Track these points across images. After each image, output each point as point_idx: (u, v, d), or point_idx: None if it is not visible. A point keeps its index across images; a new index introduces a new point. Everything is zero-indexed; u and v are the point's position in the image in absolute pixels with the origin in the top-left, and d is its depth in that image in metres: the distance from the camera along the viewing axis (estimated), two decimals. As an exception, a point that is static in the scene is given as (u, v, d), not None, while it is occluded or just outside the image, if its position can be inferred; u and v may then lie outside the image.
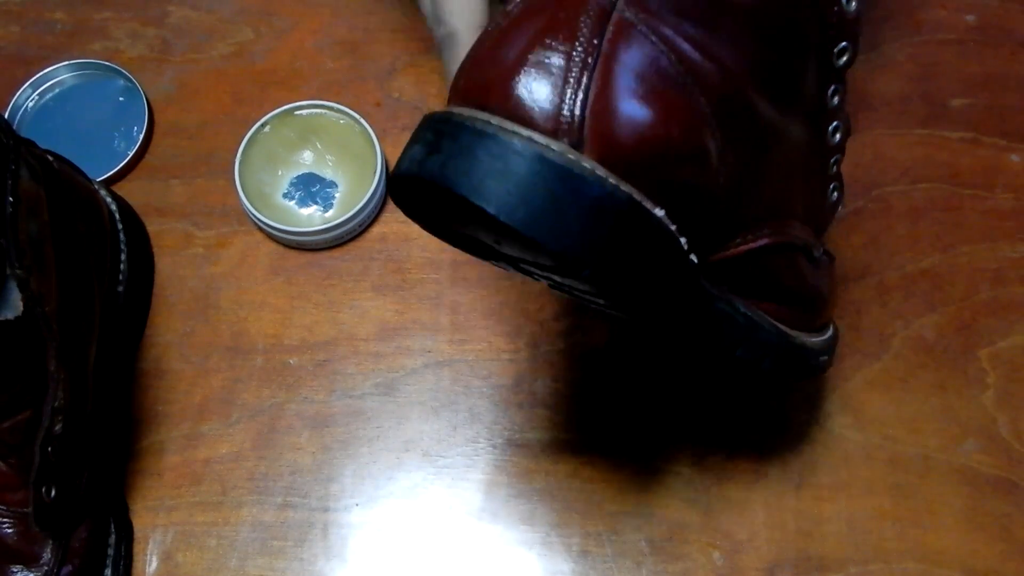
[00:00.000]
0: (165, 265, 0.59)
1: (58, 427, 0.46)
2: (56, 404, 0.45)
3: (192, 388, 0.56)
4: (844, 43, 0.37)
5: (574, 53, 0.31)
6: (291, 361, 0.56)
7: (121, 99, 0.63)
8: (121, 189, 0.60)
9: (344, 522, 0.52)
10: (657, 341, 0.55)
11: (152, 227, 0.60)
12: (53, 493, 0.46)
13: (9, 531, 0.46)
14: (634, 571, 0.51)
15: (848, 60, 0.37)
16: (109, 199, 0.57)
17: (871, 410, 0.53)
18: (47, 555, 0.47)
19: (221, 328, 0.57)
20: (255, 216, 0.57)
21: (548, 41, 0.31)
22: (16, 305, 0.44)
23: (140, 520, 0.52)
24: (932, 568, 0.50)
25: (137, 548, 0.52)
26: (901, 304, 0.56)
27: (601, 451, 0.54)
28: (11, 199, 0.43)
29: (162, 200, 0.61)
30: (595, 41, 0.31)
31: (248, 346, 0.57)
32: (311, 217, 0.58)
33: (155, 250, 0.59)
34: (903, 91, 0.62)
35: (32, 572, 0.46)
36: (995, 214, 0.59)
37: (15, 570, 0.46)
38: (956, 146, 0.60)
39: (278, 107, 0.60)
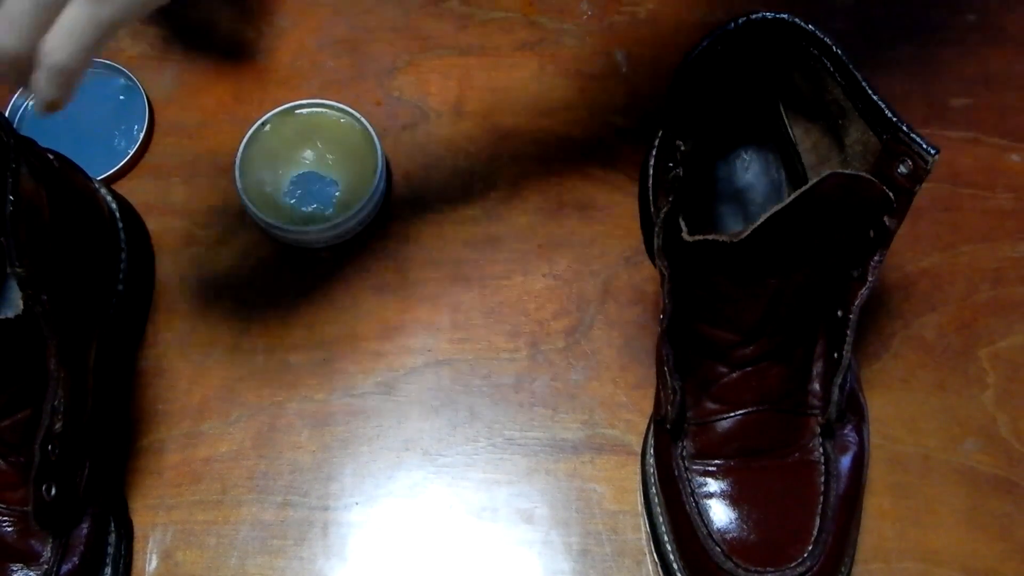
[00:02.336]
0: (166, 264, 0.59)
1: (58, 426, 0.46)
2: (56, 403, 0.45)
3: (192, 387, 0.56)
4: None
5: None
6: (291, 360, 0.56)
7: (122, 98, 0.63)
8: (122, 188, 0.60)
9: (344, 521, 0.52)
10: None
11: (152, 226, 0.60)
12: (53, 491, 0.46)
13: (9, 529, 0.46)
14: (634, 570, 0.51)
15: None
16: (109, 198, 0.57)
17: (871, 410, 0.53)
18: (47, 553, 0.47)
19: (221, 327, 0.57)
20: (256, 215, 0.57)
21: None
22: (16, 304, 0.44)
23: (140, 518, 0.52)
24: (932, 567, 0.50)
25: (137, 546, 0.52)
26: (901, 304, 0.56)
27: (601, 450, 0.54)
28: (12, 198, 0.43)
29: (163, 199, 0.61)
30: None
31: (248, 345, 0.57)
32: (312, 216, 0.58)
33: (155, 249, 0.59)
34: (903, 90, 0.62)
35: (32, 571, 0.46)
36: (995, 214, 0.59)
37: (15, 568, 0.46)
38: (956, 146, 0.60)
39: (279, 106, 0.60)
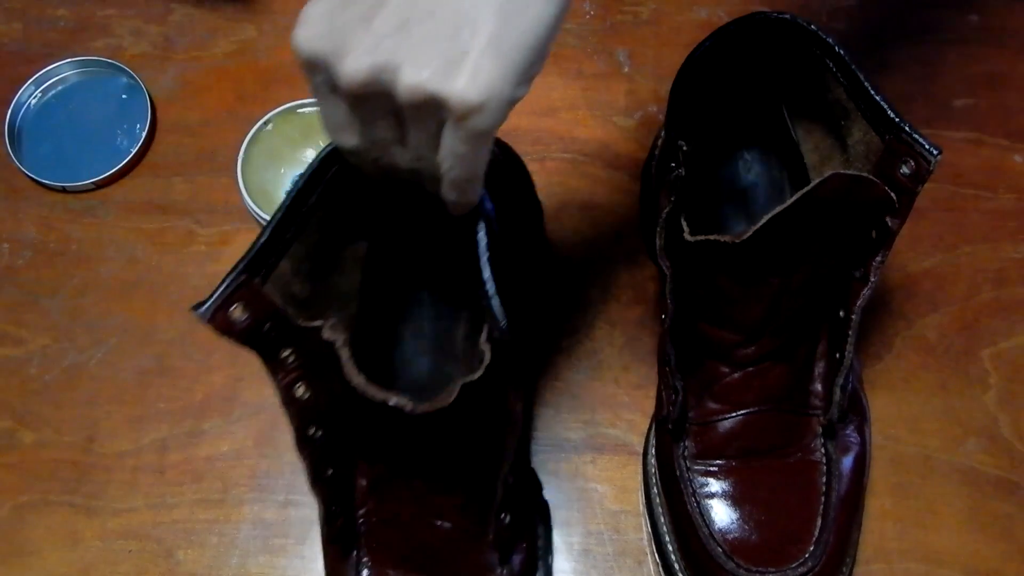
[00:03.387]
0: (167, 263, 0.59)
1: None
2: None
3: (194, 385, 0.56)
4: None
5: None
6: (293, 359, 0.56)
7: (124, 96, 0.63)
8: (123, 186, 0.60)
9: (345, 520, 0.52)
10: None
11: (154, 225, 0.60)
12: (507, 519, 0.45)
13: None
14: (635, 570, 0.51)
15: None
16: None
17: (873, 410, 0.53)
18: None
19: (223, 326, 0.57)
20: (258, 214, 0.57)
21: None
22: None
23: (141, 517, 0.52)
24: (933, 568, 0.50)
25: (138, 545, 0.52)
26: (903, 304, 0.56)
27: (603, 450, 0.54)
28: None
29: (164, 197, 0.61)
30: None
31: (250, 344, 0.57)
32: (313, 215, 0.58)
33: (157, 247, 0.59)
34: (906, 91, 0.62)
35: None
36: (998, 214, 0.59)
37: None
38: (959, 146, 0.60)
39: (281, 105, 0.60)
